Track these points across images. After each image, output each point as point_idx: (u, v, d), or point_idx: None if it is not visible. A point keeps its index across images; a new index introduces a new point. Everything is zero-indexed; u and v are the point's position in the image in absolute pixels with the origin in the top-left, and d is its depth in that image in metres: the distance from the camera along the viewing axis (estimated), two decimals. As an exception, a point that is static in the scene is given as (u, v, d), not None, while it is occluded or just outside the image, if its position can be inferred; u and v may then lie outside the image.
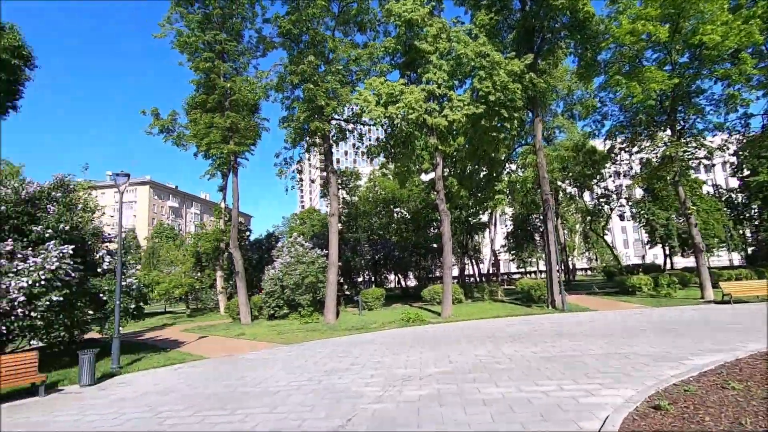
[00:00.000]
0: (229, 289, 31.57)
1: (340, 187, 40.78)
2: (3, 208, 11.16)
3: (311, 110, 20.40)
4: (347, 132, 25.74)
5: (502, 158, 25.39)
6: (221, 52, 24.15)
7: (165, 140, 24.24)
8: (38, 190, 12.15)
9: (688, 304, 19.94)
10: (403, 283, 46.62)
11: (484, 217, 49.14)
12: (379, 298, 27.96)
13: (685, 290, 25.47)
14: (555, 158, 36.45)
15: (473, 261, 44.82)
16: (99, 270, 13.39)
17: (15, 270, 10.44)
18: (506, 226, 69.67)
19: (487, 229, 45.02)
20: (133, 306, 13.20)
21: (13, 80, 24.09)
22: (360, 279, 39.85)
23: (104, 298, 13.02)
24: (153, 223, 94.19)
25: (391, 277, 50.22)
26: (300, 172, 27.84)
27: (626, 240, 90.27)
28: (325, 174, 26.91)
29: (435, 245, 47.98)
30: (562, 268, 46.42)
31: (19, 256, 10.79)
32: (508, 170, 33.87)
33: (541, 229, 66.37)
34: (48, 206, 11.93)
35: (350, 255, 32.52)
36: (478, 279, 43.87)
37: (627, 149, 27.83)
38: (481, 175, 29.98)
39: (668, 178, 24.45)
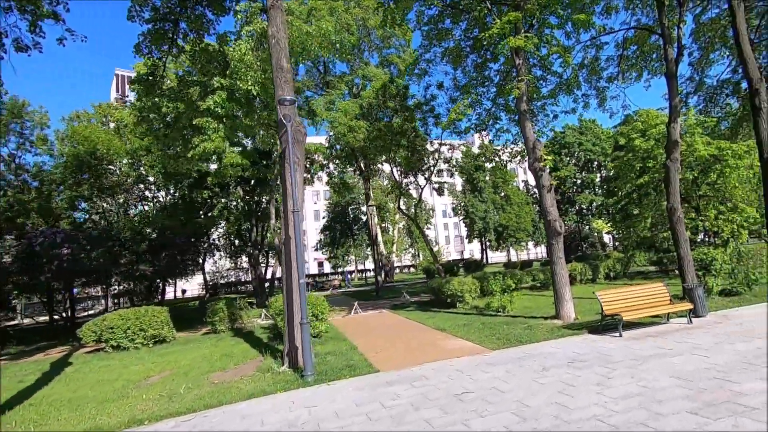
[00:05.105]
0: None
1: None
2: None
3: None
4: None
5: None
6: None
7: None
8: None
9: (538, 328, 10.58)
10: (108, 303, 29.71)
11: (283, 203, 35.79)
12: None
13: (518, 294, 16.45)
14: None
15: (254, 261, 30.64)
16: None
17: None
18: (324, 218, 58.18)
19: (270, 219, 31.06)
20: None
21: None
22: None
23: None
24: None
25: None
26: None
27: (448, 236, 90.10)
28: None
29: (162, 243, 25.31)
30: (380, 265, 36.22)
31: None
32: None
33: (363, 219, 57.02)
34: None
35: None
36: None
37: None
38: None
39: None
